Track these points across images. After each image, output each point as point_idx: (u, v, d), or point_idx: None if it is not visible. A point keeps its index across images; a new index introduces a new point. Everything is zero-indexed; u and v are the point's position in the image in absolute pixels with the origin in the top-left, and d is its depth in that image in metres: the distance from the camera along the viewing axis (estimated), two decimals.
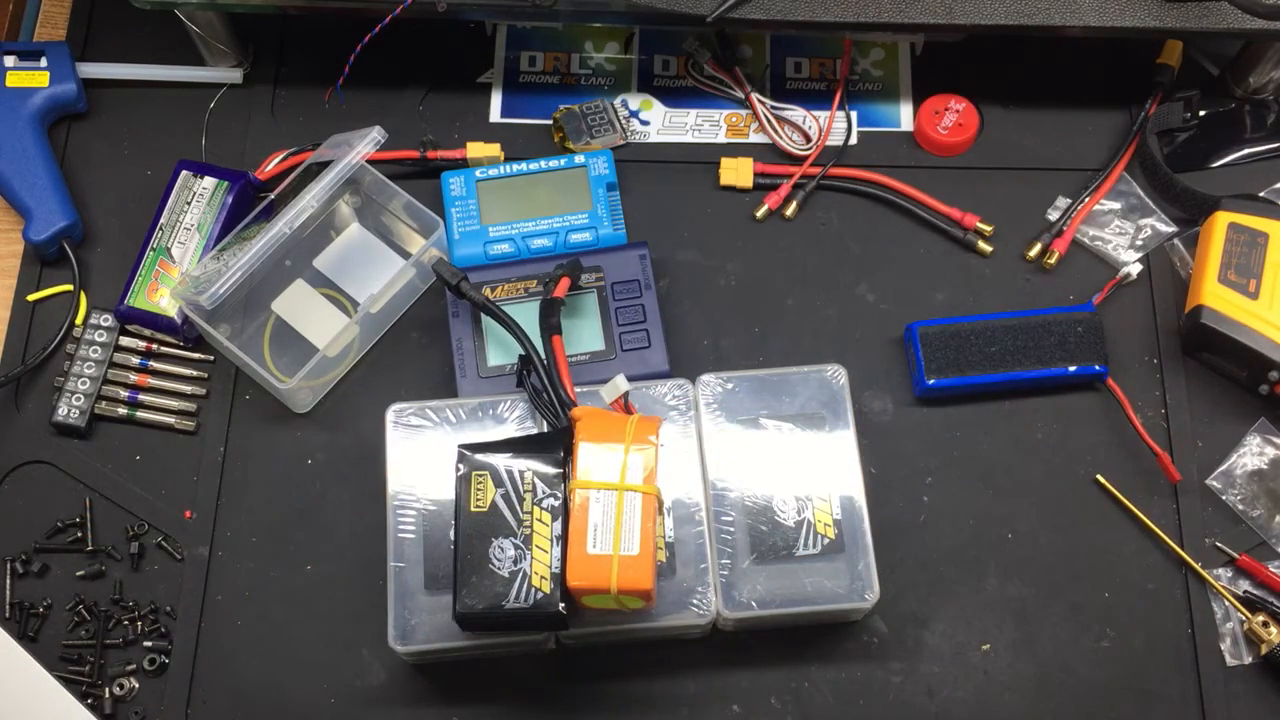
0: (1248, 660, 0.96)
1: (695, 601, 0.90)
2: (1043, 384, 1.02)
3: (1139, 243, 1.08)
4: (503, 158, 1.10)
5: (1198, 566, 0.98)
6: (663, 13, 1.01)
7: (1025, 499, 1.00)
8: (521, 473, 0.87)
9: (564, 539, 0.85)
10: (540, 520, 0.86)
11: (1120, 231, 1.08)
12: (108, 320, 1.05)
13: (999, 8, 1.01)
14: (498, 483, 0.87)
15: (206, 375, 1.04)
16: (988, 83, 1.13)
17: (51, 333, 1.04)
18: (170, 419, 1.02)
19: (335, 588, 0.98)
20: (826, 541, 0.92)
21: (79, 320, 1.05)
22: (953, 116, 1.11)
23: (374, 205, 1.07)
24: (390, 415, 0.95)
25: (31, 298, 1.07)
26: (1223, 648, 0.96)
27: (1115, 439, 1.02)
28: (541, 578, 0.84)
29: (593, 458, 0.86)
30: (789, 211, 1.09)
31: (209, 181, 1.07)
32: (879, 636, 0.96)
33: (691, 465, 0.94)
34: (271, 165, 1.09)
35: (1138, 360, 1.04)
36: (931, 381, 1.01)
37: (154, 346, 1.05)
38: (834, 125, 1.12)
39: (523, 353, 0.95)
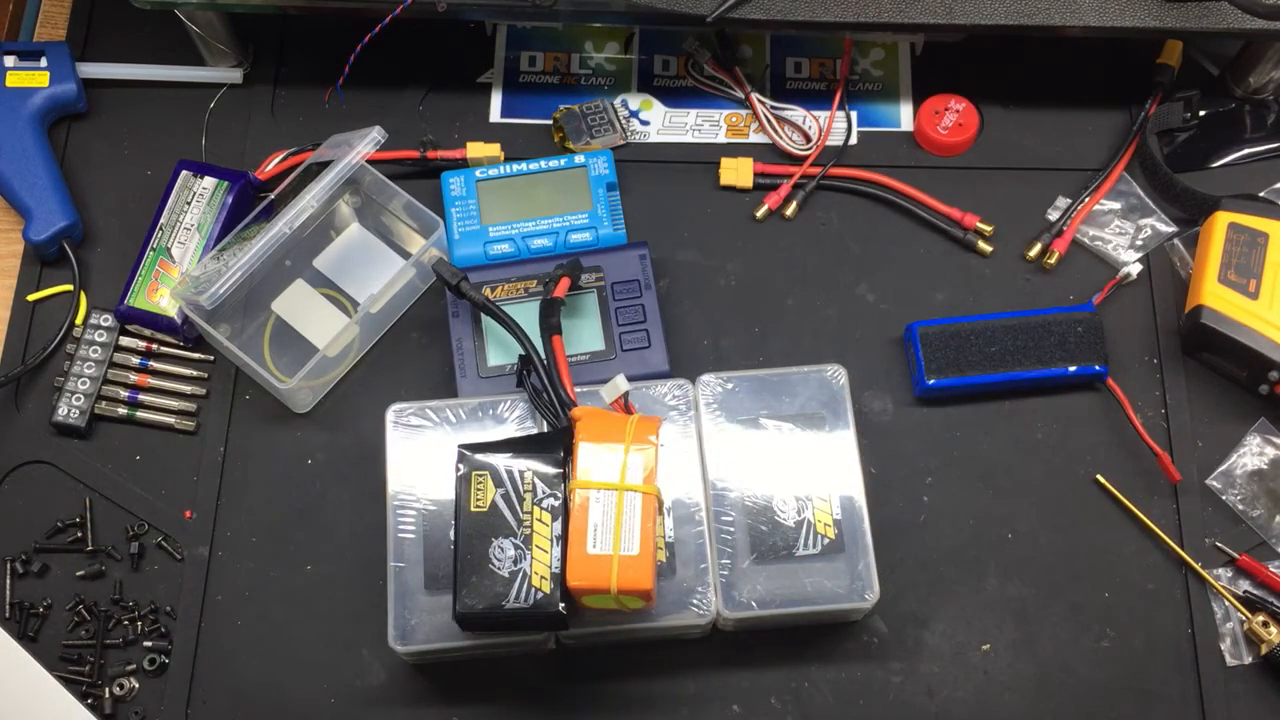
0: (1248, 660, 0.96)
1: (695, 601, 0.90)
2: (1043, 384, 1.02)
3: (1139, 243, 1.08)
4: (503, 158, 1.10)
5: (1198, 566, 0.98)
6: (663, 13, 1.01)
7: (1025, 499, 1.00)
8: (521, 473, 0.87)
9: (564, 539, 0.85)
10: (540, 520, 0.86)
11: (1120, 231, 1.08)
12: (108, 320, 1.05)
13: (999, 8, 1.01)
14: (498, 483, 0.87)
15: (206, 375, 1.04)
16: (988, 83, 1.13)
17: (51, 333, 1.04)
18: (170, 419, 1.02)
19: (335, 588, 0.98)
20: (826, 541, 0.92)
21: (79, 320, 1.05)
22: (953, 116, 1.11)
23: (374, 205, 1.07)
24: (390, 415, 0.95)
25: (31, 298, 1.07)
26: (1223, 648, 0.96)
27: (1115, 439, 1.02)
28: (541, 578, 0.84)
29: (593, 458, 0.86)
30: (789, 211, 1.09)
31: (209, 181, 1.07)
32: (879, 636, 0.96)
33: (691, 465, 0.94)
34: (271, 165, 1.09)
35: (1138, 360, 1.04)
36: (931, 381, 1.01)
37: (154, 346, 1.05)
38: (834, 125, 1.12)
39: (523, 353, 0.95)
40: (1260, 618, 0.95)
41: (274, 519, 1.00)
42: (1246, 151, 1.11)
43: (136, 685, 0.95)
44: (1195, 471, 1.01)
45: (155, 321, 1.03)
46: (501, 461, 0.87)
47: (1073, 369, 1.01)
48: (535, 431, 0.94)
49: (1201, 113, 1.12)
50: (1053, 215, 1.08)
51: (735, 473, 0.94)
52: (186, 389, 1.04)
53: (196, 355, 1.05)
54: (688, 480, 0.93)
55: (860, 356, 1.04)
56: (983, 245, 1.08)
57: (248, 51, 1.14)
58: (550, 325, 0.96)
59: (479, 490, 0.87)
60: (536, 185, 1.08)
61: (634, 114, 1.13)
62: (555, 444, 0.88)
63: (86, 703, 0.91)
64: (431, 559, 0.92)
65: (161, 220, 1.06)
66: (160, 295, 1.03)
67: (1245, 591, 0.98)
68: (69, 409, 1.02)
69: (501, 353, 1.01)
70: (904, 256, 1.08)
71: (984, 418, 1.03)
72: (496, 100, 1.14)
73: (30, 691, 0.87)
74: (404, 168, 1.10)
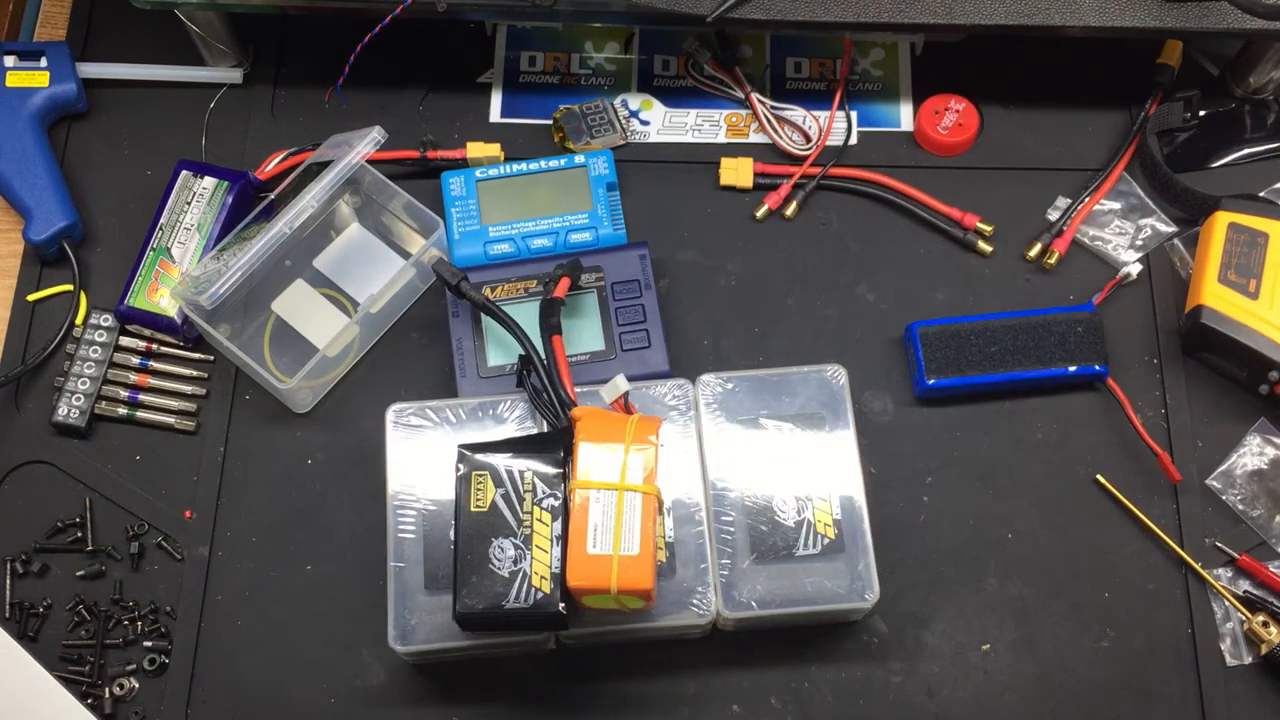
0: (1248, 660, 0.96)
1: (695, 601, 0.90)
2: (1043, 384, 1.02)
3: (1139, 243, 1.08)
4: (503, 158, 1.10)
5: (1198, 566, 0.98)
6: (663, 13, 1.01)
7: (1025, 499, 1.00)
8: (521, 473, 0.87)
9: (564, 539, 0.85)
10: (540, 520, 0.86)
11: (1120, 231, 1.08)
12: (108, 320, 1.05)
13: (999, 8, 1.01)
14: (498, 483, 0.87)
15: (206, 375, 1.04)
16: (988, 83, 1.13)
17: (51, 333, 1.04)
18: (170, 419, 1.02)
19: (335, 588, 0.98)
20: (826, 541, 0.92)
21: (79, 320, 1.05)
22: (953, 116, 1.11)
23: (374, 205, 1.07)
24: (390, 415, 0.95)
25: (31, 298, 1.07)
26: (1223, 648, 0.96)
27: (1115, 439, 1.02)
28: (541, 578, 0.84)
29: (593, 458, 0.86)
30: (789, 211, 1.09)
31: (209, 181, 1.07)
32: (879, 636, 0.96)
33: (691, 465, 0.94)
34: (271, 165, 1.09)
35: (1138, 360, 1.04)
36: (931, 381, 1.01)
37: (154, 346, 1.05)
38: (834, 125, 1.12)
39: (523, 353, 0.95)
40: (1260, 618, 0.95)
41: (274, 519, 1.00)
42: (1246, 151, 1.11)
43: (136, 685, 0.95)
44: (1195, 471, 1.01)
45: (155, 321, 1.03)
46: (501, 461, 0.87)
47: (1073, 369, 1.01)
48: (535, 431, 0.94)
49: (1201, 113, 1.12)
50: (1053, 215, 1.08)
51: (735, 473, 0.94)
52: (186, 389, 1.04)
53: (196, 355, 1.05)
54: (688, 480, 0.93)
55: (860, 356, 1.04)
56: (983, 245, 1.08)
57: (248, 51, 1.14)
58: (550, 325, 0.96)
59: (479, 490, 0.87)
60: (536, 185, 1.08)
61: (634, 114, 1.13)
62: (555, 444, 0.88)
63: (86, 703, 0.91)
64: (431, 559, 0.92)
65: (161, 220, 1.06)
66: (160, 295, 1.03)
67: (1245, 591, 0.98)
68: (69, 409, 1.02)
69: (501, 353, 1.01)
70: (904, 256, 1.08)
71: (984, 418, 1.03)
72: (496, 100, 1.14)
73: (30, 691, 0.87)
74: (404, 168, 1.10)
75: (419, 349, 1.05)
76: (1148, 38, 1.06)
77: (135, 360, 1.04)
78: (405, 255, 1.06)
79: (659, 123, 1.13)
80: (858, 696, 0.95)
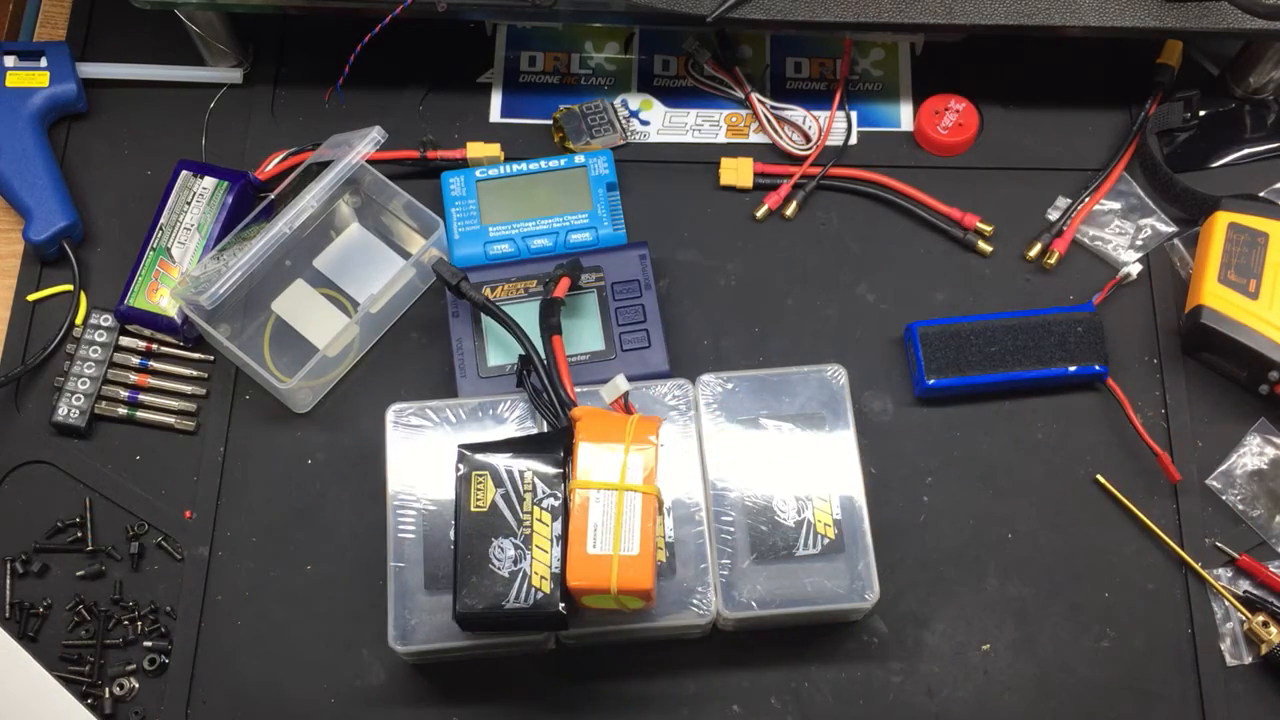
0: (1248, 660, 0.96)
1: (695, 601, 0.90)
2: (1043, 384, 1.02)
3: (1139, 243, 1.08)
4: (503, 158, 1.10)
5: (1198, 566, 0.98)
6: (663, 13, 1.01)
7: (1025, 499, 1.00)
8: (521, 473, 0.87)
9: (564, 539, 0.85)
10: (540, 520, 0.86)
11: (1120, 231, 1.08)
12: (108, 320, 1.05)
13: (999, 8, 1.01)
14: (498, 483, 0.87)
15: (206, 375, 1.04)
16: (988, 83, 1.13)
17: (51, 333, 1.04)
18: (170, 419, 1.02)
19: (335, 588, 0.98)
20: (826, 541, 0.92)
21: (79, 320, 1.05)
22: (953, 116, 1.11)
23: (374, 205, 1.07)
24: (390, 415, 0.95)
25: (31, 298, 1.07)
26: (1223, 648, 0.96)
27: (1115, 439, 1.02)
28: (541, 578, 0.84)
29: (593, 458, 0.86)
30: (789, 211, 1.09)
31: (209, 181, 1.07)
32: (879, 636, 0.96)
33: (691, 465, 0.94)
34: (271, 165, 1.09)
35: (1138, 360, 1.04)
36: (931, 381, 1.01)
37: (154, 346, 1.05)
38: (834, 125, 1.12)
39: (523, 353, 0.95)
40: (1260, 618, 0.95)
41: (274, 519, 1.00)
42: (1246, 151, 1.11)
43: (136, 685, 0.95)
44: (1195, 471, 1.01)
45: (155, 321, 1.03)
46: (501, 461, 0.87)
47: (1073, 369, 1.01)
48: (535, 431, 0.94)
49: (1201, 113, 1.12)
50: (1053, 215, 1.08)
51: (735, 473, 0.94)
52: (186, 389, 1.04)
53: (196, 355, 1.05)
54: (688, 480, 0.93)
55: (860, 356, 1.04)
56: (983, 245, 1.08)
57: (248, 51, 1.14)
58: (550, 325, 0.96)
59: (479, 490, 0.87)
60: (536, 185, 1.08)
61: (634, 114, 1.13)
62: (555, 444, 0.88)
63: (86, 703, 0.91)
64: (431, 559, 0.92)
65: (161, 220, 1.06)
66: (160, 295, 1.03)
67: (1245, 591, 0.98)
68: (69, 409, 1.02)
69: (501, 353, 1.01)
70: (904, 256, 1.08)
71: (984, 418, 1.03)
72: (496, 100, 1.14)
73: (30, 691, 0.87)
74: (404, 168, 1.10)
75: (419, 349, 1.05)
76: (1148, 38, 1.06)
77: (135, 360, 1.04)
78: (405, 255, 1.06)
79: (659, 123, 1.13)
80: (858, 696, 0.95)
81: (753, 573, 0.91)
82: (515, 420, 0.95)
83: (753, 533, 0.92)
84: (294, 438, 1.02)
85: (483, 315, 1.00)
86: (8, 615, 0.97)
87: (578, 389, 0.93)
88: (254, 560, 0.99)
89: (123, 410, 1.02)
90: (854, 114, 1.13)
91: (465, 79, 1.14)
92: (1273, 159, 1.11)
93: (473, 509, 0.86)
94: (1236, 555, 0.98)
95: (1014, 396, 1.03)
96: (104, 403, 1.02)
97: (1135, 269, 1.06)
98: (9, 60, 1.10)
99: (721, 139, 1.12)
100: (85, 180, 1.11)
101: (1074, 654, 0.96)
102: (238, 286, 1.00)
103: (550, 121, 1.12)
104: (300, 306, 1.05)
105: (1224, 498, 1.00)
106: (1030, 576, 0.98)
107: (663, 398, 0.96)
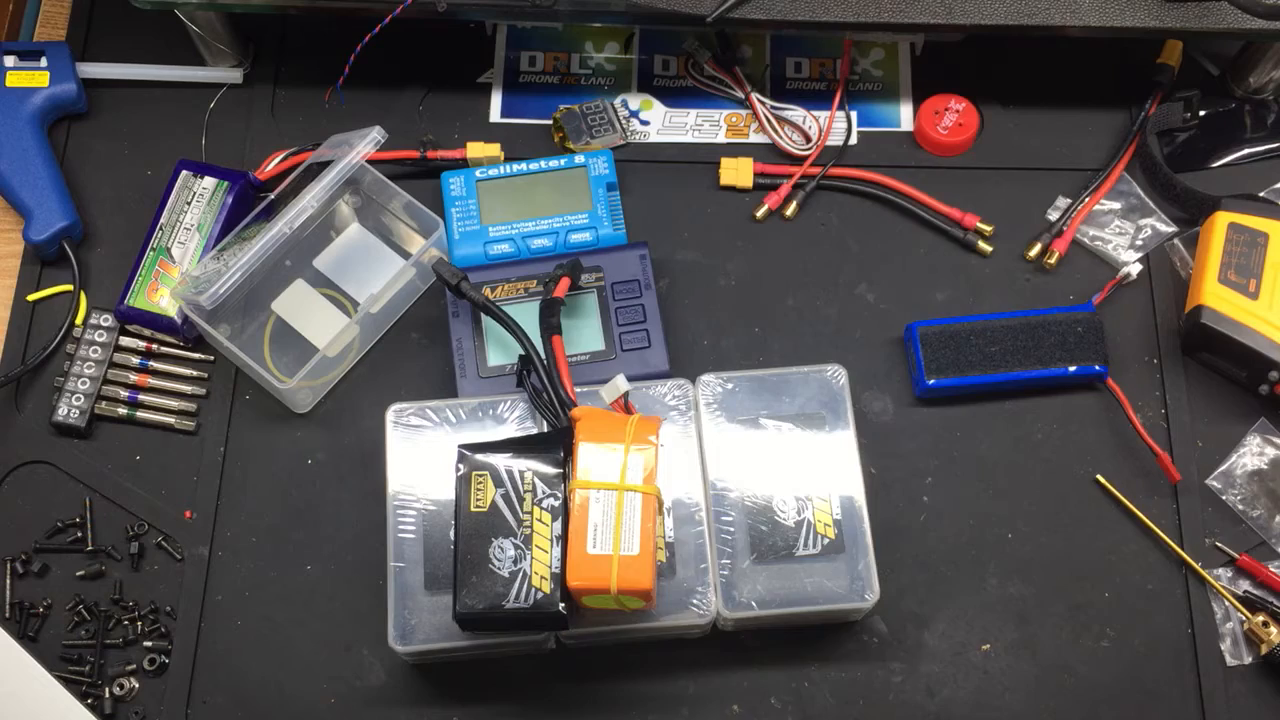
0: (1248, 660, 0.96)
1: (695, 601, 0.90)
2: (1043, 384, 1.02)
3: (1139, 243, 1.08)
4: (503, 158, 1.10)
5: (1198, 566, 0.98)
6: (663, 13, 1.01)
7: (1025, 499, 1.00)
8: (521, 473, 0.87)
9: (564, 539, 0.85)
10: (540, 520, 0.86)
11: (1120, 231, 1.08)
12: (108, 320, 1.05)
13: (999, 8, 1.01)
14: (498, 483, 0.87)
15: (206, 375, 1.04)
16: (988, 83, 1.13)
17: (51, 333, 1.04)
18: (170, 419, 1.02)
19: (335, 588, 0.98)
20: (826, 541, 0.92)
21: (79, 320, 1.05)
22: (953, 116, 1.11)
23: (374, 205, 1.07)
24: (390, 415, 0.95)
25: (31, 298, 1.07)
26: (1223, 648, 0.96)
27: (1115, 439, 1.02)
28: (541, 578, 0.84)
29: (593, 458, 0.86)
30: (789, 211, 1.09)
31: (209, 181, 1.07)
32: (879, 636, 0.96)
33: (691, 465, 0.94)
34: (271, 165, 1.09)
35: (1138, 360, 1.04)
36: (931, 381, 1.01)
37: (154, 346, 1.05)
38: (834, 125, 1.12)
39: (523, 353, 0.95)
40: (1260, 618, 0.95)
41: (274, 519, 1.00)
42: (1246, 151, 1.11)
43: (136, 685, 0.95)
44: (1195, 471, 1.01)
45: (155, 321, 1.03)
46: (501, 461, 0.87)
47: (1073, 369, 1.01)
48: (535, 431, 0.94)
49: (1201, 113, 1.12)
50: (1053, 215, 1.08)
51: (735, 473, 0.94)
52: (186, 389, 1.04)
53: (196, 355, 1.05)
54: (688, 480, 0.93)
55: (860, 356, 1.04)
56: (983, 245, 1.08)
57: (248, 51, 1.14)
58: (550, 325, 0.96)
59: (479, 490, 0.87)
60: (536, 185, 1.08)
61: (634, 114, 1.13)
62: (555, 444, 0.88)
63: (86, 703, 0.91)
64: (431, 559, 0.92)
65: (161, 220, 1.06)
66: (160, 295, 1.03)
67: (1245, 591, 0.98)
68: (69, 409, 1.02)
69: (501, 353, 1.01)
70: (904, 256, 1.08)
71: (984, 418, 1.03)
72: (496, 100, 1.14)
73: (30, 691, 0.87)
74: (404, 168, 1.10)
75: (419, 349, 1.05)
76: (1148, 38, 1.06)
77: (135, 360, 1.04)
78: (405, 255, 1.06)
79: (659, 123, 1.13)
80: (858, 696, 0.95)
81: (753, 573, 0.91)
82: (515, 420, 0.95)
83: (753, 533, 0.92)
84: (294, 438, 1.02)
85: (483, 315, 1.00)
86: (8, 615, 0.97)
87: (578, 389, 0.93)
88: (254, 560, 0.99)
89: (123, 410, 1.02)
90: (854, 114, 1.13)
91: (465, 79, 1.14)
92: (1273, 159, 1.11)
93: (473, 509, 0.86)
94: (1236, 555, 0.98)
95: (1014, 396, 1.03)
96: (104, 403, 1.02)
97: (1135, 269, 1.06)
98: (9, 60, 1.10)
99: (721, 139, 1.12)
100: (85, 180, 1.11)
101: (1074, 654, 0.96)
102: (238, 286, 1.00)
103: (550, 121, 1.12)
104: (300, 306, 1.05)
105: (1224, 498, 1.00)
106: (1030, 576, 0.98)
107: (663, 398, 0.96)
